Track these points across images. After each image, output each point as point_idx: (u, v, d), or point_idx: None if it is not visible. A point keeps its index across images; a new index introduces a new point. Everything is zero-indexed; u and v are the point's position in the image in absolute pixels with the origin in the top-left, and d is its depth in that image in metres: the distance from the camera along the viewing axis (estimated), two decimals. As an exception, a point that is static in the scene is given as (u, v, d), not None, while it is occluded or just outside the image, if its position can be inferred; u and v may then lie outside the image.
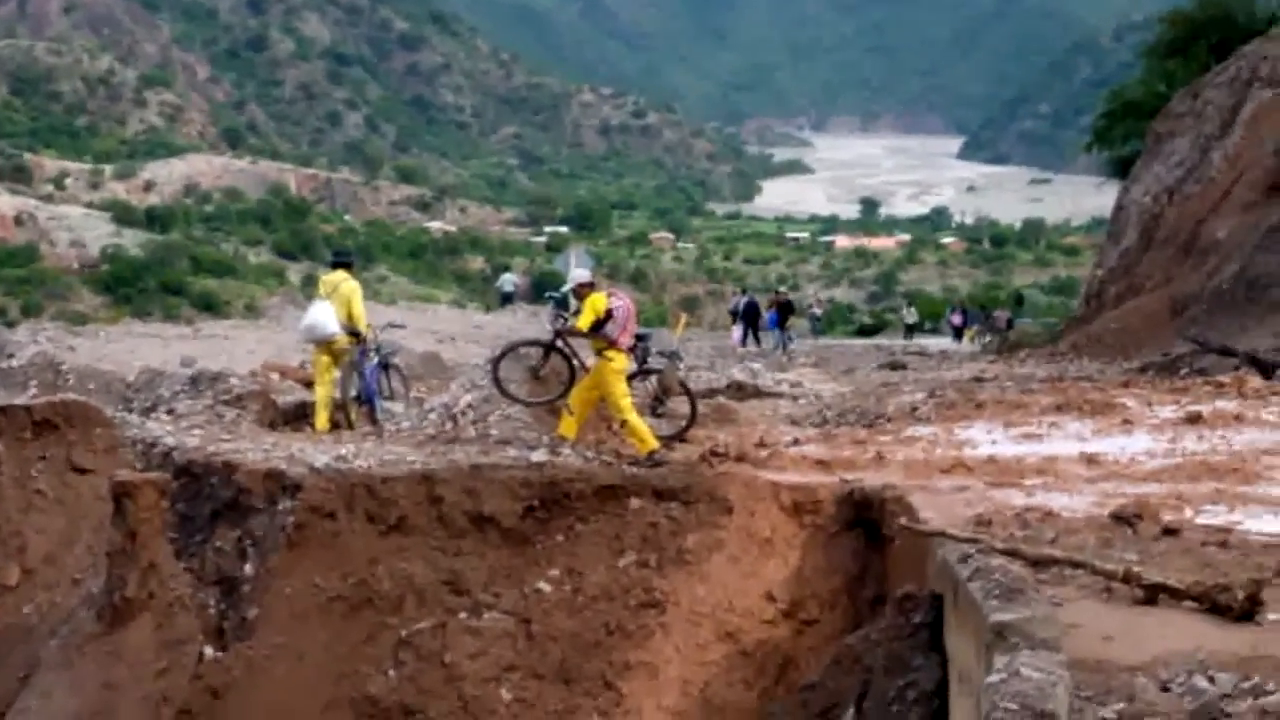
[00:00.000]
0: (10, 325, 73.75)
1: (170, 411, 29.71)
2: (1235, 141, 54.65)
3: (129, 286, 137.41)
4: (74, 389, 31.94)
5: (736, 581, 21.25)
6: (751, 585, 21.27)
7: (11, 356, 34.75)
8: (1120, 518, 18.45)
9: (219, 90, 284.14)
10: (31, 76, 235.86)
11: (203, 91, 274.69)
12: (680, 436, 26.14)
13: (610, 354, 24.56)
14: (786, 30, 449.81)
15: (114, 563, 21.64)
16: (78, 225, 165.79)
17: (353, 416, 28.28)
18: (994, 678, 10.98)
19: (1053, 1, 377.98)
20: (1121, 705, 11.76)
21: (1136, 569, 15.34)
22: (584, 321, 24.61)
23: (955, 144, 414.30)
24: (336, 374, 28.26)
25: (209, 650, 21.66)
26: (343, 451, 24.14)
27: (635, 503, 21.78)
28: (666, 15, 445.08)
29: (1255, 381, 32.80)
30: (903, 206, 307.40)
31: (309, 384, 29.82)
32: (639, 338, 26.08)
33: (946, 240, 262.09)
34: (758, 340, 69.77)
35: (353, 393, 28.40)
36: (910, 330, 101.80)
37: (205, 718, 20.99)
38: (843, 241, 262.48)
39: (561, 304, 27.41)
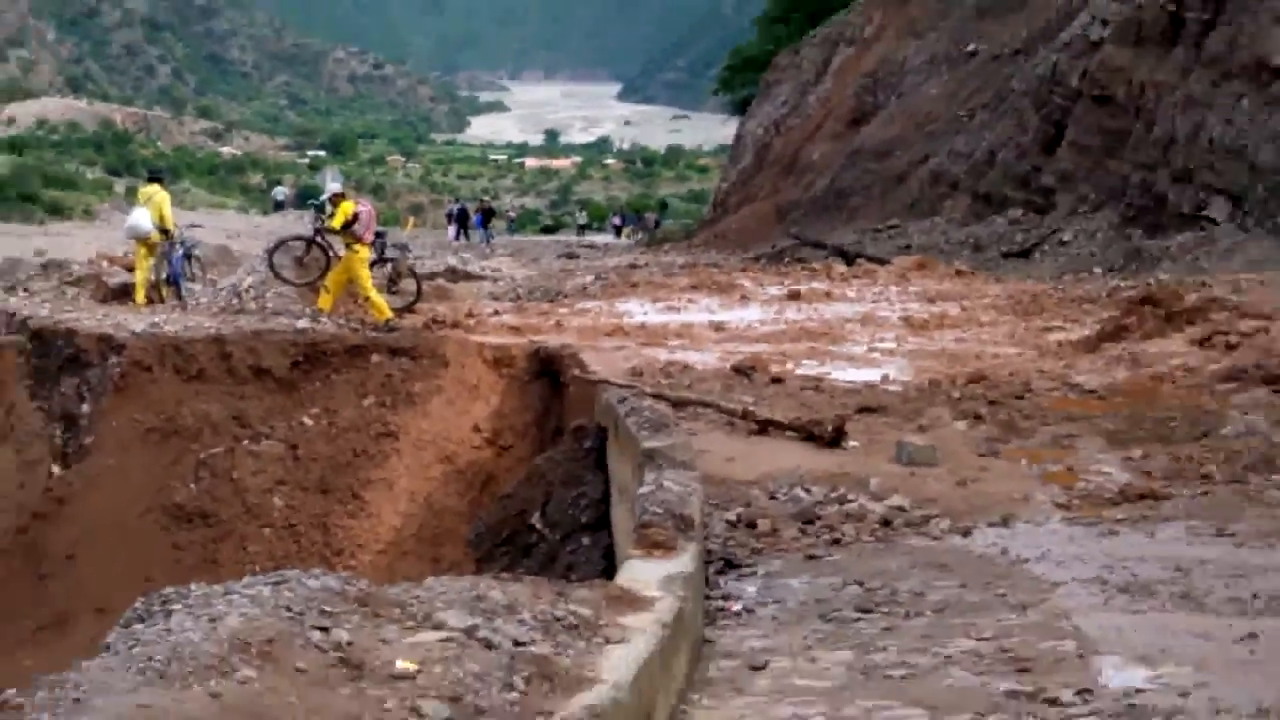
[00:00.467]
0: None
1: (26, 290, 30.51)
2: (826, 87, 55.33)
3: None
4: None
5: (452, 417, 21.35)
6: (463, 420, 21.38)
7: None
8: (739, 370, 18.60)
9: (63, 49, 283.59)
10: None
11: (51, 50, 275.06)
12: (409, 309, 26.43)
13: (357, 247, 25.24)
14: (488, 8, 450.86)
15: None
16: None
17: (164, 294, 28.52)
18: (645, 489, 10.93)
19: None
20: (740, 510, 11.82)
21: (751, 408, 15.43)
22: (337, 222, 25.34)
23: (615, 89, 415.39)
24: (152, 262, 28.50)
25: (56, 469, 22.04)
26: (156, 320, 24.36)
27: (375, 358, 22.02)
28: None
29: (840, 267, 33.39)
30: (576, 136, 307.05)
31: (131, 269, 29.70)
32: (378, 235, 27.08)
33: (609, 161, 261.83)
34: (467, 236, 69.35)
35: (164, 276, 28.85)
36: (582, 229, 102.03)
37: (53, 520, 21.24)
38: (531, 162, 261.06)
39: (320, 209, 27.40)
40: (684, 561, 9.16)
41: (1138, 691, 7.47)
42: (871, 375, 18.59)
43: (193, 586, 7.47)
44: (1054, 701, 7.39)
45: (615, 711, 6.77)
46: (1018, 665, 7.96)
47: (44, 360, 23.25)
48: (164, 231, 28.14)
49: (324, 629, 6.84)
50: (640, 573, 8.86)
